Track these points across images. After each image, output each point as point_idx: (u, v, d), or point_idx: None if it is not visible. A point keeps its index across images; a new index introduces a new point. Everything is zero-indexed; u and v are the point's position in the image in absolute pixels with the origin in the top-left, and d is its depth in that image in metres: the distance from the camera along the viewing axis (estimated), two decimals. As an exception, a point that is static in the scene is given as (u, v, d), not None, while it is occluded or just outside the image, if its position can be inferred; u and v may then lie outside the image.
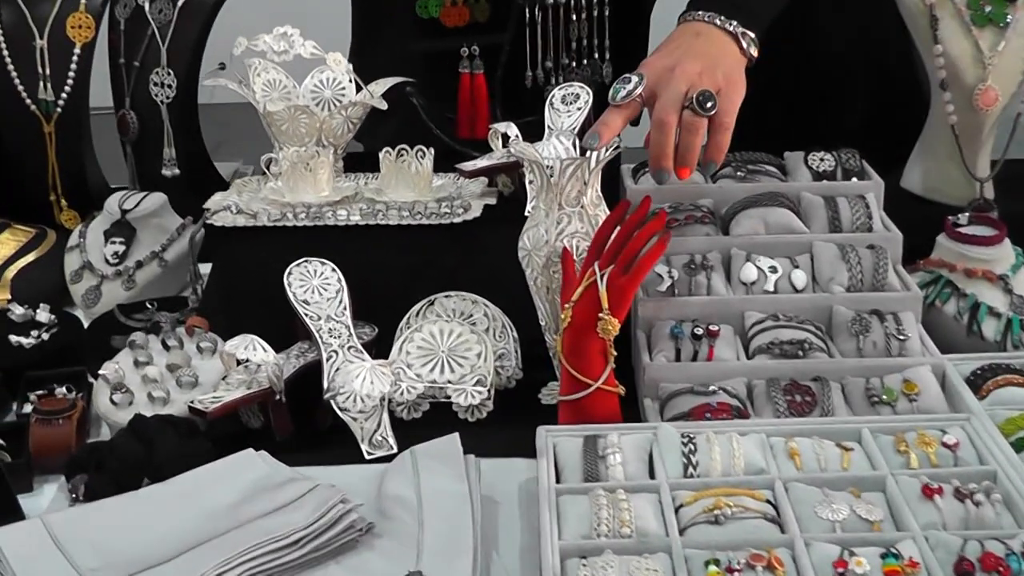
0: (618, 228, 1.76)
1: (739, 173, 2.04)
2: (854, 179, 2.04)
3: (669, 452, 1.63)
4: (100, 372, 1.85)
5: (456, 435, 1.70)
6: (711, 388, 1.75)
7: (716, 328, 1.82)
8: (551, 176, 1.76)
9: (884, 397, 1.75)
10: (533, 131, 2.00)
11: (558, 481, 1.61)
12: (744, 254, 1.91)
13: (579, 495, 1.57)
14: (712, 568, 1.44)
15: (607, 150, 1.76)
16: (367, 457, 1.75)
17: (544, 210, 1.79)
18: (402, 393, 1.81)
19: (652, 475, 1.62)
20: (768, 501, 1.56)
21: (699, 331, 1.81)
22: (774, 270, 1.90)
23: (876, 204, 1.98)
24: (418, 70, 2.18)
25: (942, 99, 2.11)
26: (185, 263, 2.20)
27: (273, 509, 1.58)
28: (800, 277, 1.89)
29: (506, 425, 1.81)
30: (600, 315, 1.70)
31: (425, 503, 1.60)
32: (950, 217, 2.00)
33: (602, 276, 1.70)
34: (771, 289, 1.89)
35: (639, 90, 1.78)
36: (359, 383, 1.76)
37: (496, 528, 1.61)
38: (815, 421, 1.70)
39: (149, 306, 2.08)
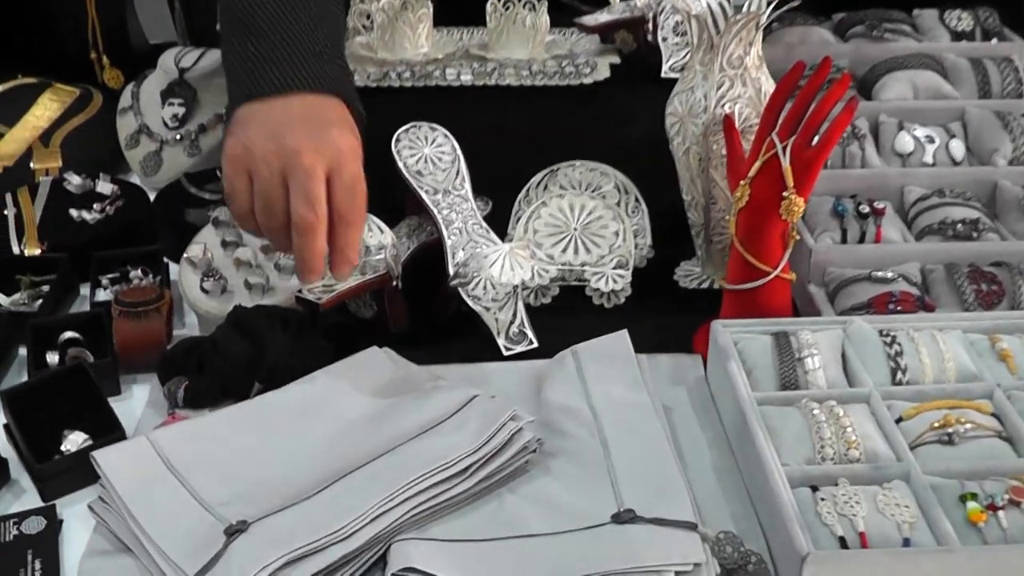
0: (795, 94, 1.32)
1: (874, 33, 1.61)
2: (995, 40, 1.62)
3: (870, 354, 1.22)
4: (185, 255, 1.39)
5: (625, 332, 1.27)
6: (889, 275, 1.34)
7: (882, 206, 1.41)
8: (717, 33, 1.31)
9: (1074, 284, 1.36)
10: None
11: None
12: (895, 122, 1.50)
13: (785, 407, 1.16)
14: (972, 505, 1.05)
15: (772, 2, 1.32)
16: (505, 353, 1.32)
17: (702, 72, 1.34)
18: (533, 277, 1.39)
19: (848, 379, 1.23)
20: (993, 414, 1.17)
21: (864, 209, 1.40)
22: (931, 140, 1.48)
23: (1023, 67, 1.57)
24: None
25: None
26: (249, 126, 1.72)
27: (425, 426, 1.14)
28: (958, 147, 1.49)
29: (646, 312, 1.39)
30: (784, 194, 1.26)
31: (602, 417, 1.18)
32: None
33: (784, 149, 1.27)
34: (930, 161, 1.48)
35: None
36: (496, 270, 1.31)
37: (679, 442, 1.20)
38: (1012, 315, 1.30)
39: (220, 174, 1.61)
